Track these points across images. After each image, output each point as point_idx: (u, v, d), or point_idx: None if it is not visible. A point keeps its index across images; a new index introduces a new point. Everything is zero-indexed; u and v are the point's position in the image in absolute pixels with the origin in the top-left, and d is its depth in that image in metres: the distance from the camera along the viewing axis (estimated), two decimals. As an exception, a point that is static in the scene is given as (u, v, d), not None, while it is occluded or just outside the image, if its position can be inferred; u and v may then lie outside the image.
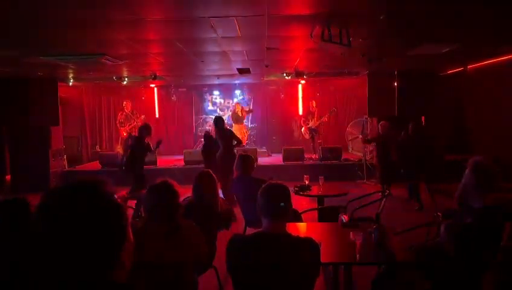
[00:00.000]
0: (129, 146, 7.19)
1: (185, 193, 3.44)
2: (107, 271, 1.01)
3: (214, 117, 8.55)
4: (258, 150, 11.39)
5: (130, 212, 5.71)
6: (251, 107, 12.88)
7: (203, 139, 8.29)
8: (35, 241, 0.99)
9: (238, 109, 12.05)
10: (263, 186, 2.29)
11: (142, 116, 11.90)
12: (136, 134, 7.82)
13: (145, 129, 6.96)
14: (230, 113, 12.62)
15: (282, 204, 2.18)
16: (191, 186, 3.69)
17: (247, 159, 4.94)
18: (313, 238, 2.20)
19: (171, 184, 2.64)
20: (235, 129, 11.72)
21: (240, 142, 7.86)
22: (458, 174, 2.64)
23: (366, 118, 10.63)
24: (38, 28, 4.87)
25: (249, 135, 12.77)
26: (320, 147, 10.96)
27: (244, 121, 12.36)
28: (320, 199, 5.41)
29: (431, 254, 2.67)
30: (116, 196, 1.07)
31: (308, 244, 2.16)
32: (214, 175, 3.70)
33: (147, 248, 2.32)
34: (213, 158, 7.45)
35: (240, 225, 4.82)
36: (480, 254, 2.44)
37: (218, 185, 3.86)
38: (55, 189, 1.05)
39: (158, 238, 2.46)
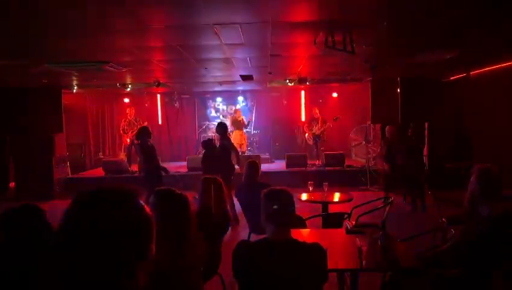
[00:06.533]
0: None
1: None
2: (126, 281, 0.98)
3: (217, 123, 8.10)
4: (261, 156, 11.39)
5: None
6: (253, 115, 12.88)
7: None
8: (59, 247, 0.95)
9: (239, 115, 12.09)
10: (266, 192, 2.27)
11: (145, 123, 11.90)
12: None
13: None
14: (230, 119, 12.61)
15: (275, 207, 2.17)
16: (194, 192, 3.67)
17: (251, 165, 5.00)
18: (320, 244, 2.19)
19: (187, 203, 2.48)
20: (235, 135, 11.73)
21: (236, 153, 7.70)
22: (459, 182, 2.62)
23: (369, 124, 10.63)
24: (44, 37, 4.90)
25: (251, 142, 12.80)
26: (323, 153, 10.95)
27: (245, 129, 12.32)
28: (324, 205, 5.40)
29: (438, 261, 2.65)
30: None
31: (315, 250, 2.15)
32: (221, 181, 3.68)
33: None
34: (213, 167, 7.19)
35: (244, 232, 4.81)
36: (489, 262, 2.43)
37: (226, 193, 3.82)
38: (88, 193, 1.00)
39: (164, 245, 2.44)
